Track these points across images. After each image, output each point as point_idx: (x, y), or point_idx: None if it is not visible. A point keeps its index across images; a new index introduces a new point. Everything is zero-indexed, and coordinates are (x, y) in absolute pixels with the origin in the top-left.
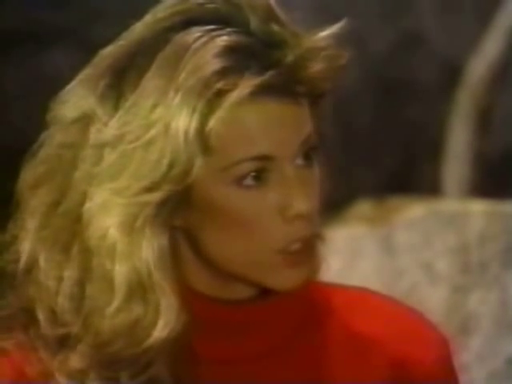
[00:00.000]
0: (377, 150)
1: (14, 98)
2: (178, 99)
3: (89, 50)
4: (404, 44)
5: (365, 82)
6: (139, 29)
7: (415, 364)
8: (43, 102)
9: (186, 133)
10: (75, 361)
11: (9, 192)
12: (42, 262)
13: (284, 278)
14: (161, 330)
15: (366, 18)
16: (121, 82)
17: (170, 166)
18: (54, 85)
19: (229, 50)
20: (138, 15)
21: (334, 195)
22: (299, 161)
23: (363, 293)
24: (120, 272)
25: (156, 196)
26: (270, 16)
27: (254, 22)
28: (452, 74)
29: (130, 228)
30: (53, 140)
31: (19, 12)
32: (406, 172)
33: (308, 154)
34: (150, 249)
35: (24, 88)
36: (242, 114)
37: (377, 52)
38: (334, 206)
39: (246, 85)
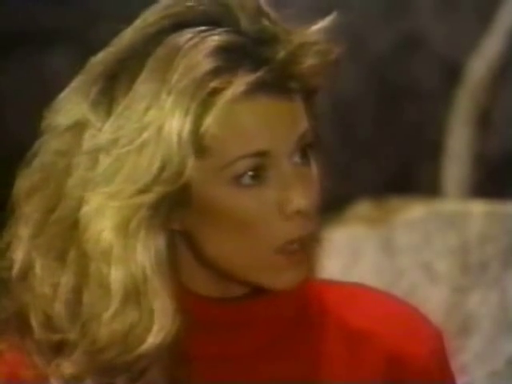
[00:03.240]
0: (377, 150)
1: (13, 99)
2: (170, 101)
3: (89, 52)
4: (404, 44)
5: (365, 82)
6: (129, 34)
7: (409, 358)
8: (43, 103)
9: (180, 135)
10: (70, 367)
11: (3, 199)
12: (37, 269)
13: (282, 278)
14: (155, 336)
15: (366, 18)
16: (113, 86)
17: (162, 167)
18: (54, 86)
19: (220, 50)
20: (138, 16)
21: (333, 195)
22: (296, 158)
23: (357, 288)
24: (116, 276)
25: (149, 198)
26: (259, 14)
27: (244, 21)
28: (452, 74)
29: (124, 231)
30: (47, 148)
31: (19, 12)
32: (406, 172)
33: (305, 151)
34: (146, 252)
35: (23, 89)
36: (236, 111)
37: (377, 53)
38: (333, 206)
39: (240, 82)
